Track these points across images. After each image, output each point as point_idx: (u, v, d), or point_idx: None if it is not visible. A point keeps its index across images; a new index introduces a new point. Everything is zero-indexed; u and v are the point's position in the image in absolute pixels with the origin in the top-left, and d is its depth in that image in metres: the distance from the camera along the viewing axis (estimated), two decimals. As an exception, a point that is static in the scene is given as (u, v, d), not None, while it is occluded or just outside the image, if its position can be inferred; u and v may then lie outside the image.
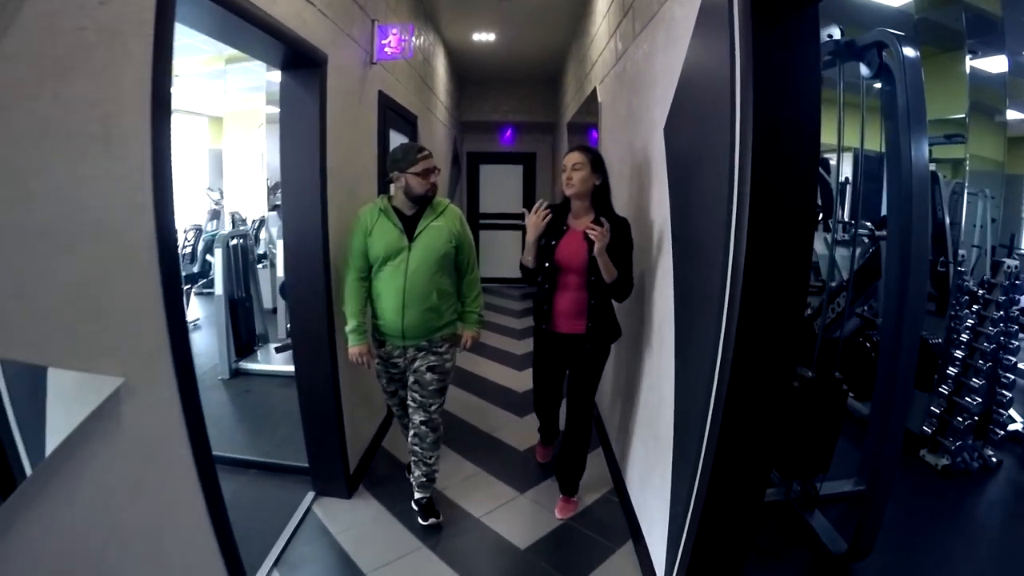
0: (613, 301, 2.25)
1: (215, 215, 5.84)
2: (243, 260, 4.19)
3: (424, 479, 2.42)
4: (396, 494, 2.61)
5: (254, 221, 5.25)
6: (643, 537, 2.16)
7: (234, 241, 4.12)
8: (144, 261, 1.21)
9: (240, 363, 4.06)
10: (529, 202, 7.86)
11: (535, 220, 2.13)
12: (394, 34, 2.83)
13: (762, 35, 1.23)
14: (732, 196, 1.33)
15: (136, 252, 1.19)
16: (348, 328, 2.27)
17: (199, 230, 5.90)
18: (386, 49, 2.85)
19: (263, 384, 3.93)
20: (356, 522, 2.41)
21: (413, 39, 3.01)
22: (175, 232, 1.29)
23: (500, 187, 7.92)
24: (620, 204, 2.45)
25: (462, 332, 2.40)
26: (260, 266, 4.61)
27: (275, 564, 2.11)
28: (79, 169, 1.03)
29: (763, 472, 1.53)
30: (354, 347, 2.28)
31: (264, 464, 2.79)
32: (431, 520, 2.39)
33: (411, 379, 2.34)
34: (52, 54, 0.97)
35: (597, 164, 2.18)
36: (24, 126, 0.92)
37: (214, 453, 1.44)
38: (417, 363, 2.31)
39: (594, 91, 3.94)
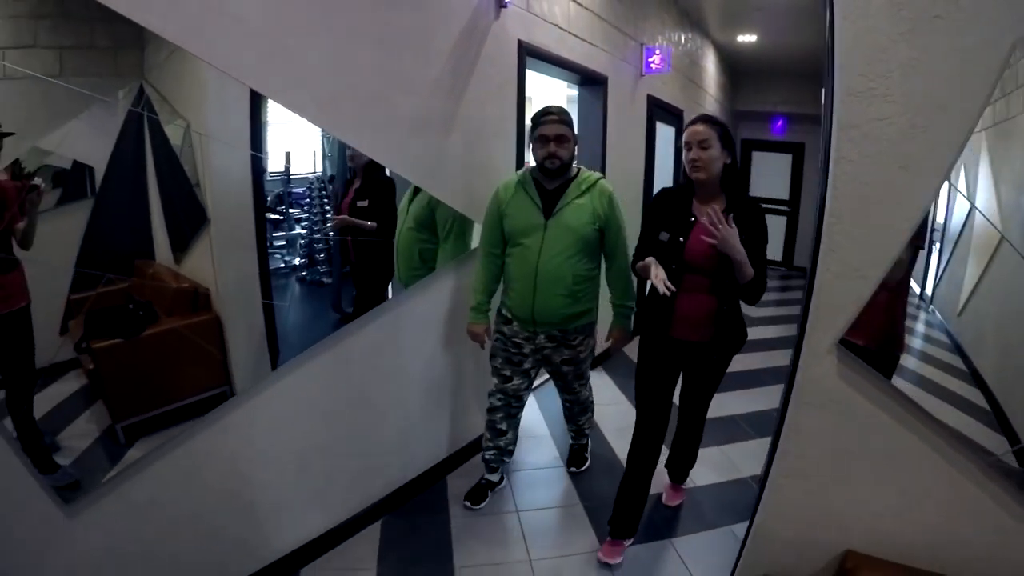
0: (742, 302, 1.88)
1: None
2: None
3: (574, 432, 2.66)
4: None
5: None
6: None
7: None
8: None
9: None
10: (795, 192, 7.97)
11: (656, 276, 1.76)
12: (658, 53, 3.90)
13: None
14: None
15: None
16: (470, 305, 2.25)
17: None
18: (652, 65, 3.95)
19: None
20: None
21: (670, 57, 4.02)
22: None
23: (771, 173, 8.26)
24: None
25: (612, 330, 2.26)
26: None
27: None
28: (493, 145, 2.44)
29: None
30: (472, 325, 2.25)
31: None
32: (572, 468, 2.63)
33: (548, 368, 2.33)
34: (483, 95, 2.36)
35: (727, 139, 1.80)
36: (478, 125, 2.34)
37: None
38: (549, 354, 2.23)
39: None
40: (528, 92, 2.85)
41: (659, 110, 4.63)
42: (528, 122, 2.09)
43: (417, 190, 2.30)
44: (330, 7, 1.76)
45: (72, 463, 1.56)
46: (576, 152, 2.14)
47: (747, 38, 6.05)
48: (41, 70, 1.51)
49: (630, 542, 2.13)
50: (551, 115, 2.04)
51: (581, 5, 3.19)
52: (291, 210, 2.07)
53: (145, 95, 1.63)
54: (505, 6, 2.49)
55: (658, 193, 2.01)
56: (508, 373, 2.26)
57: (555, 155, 2.02)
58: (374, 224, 2.11)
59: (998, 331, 1.37)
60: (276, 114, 1.77)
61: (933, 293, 1.41)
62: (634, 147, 4.20)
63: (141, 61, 1.64)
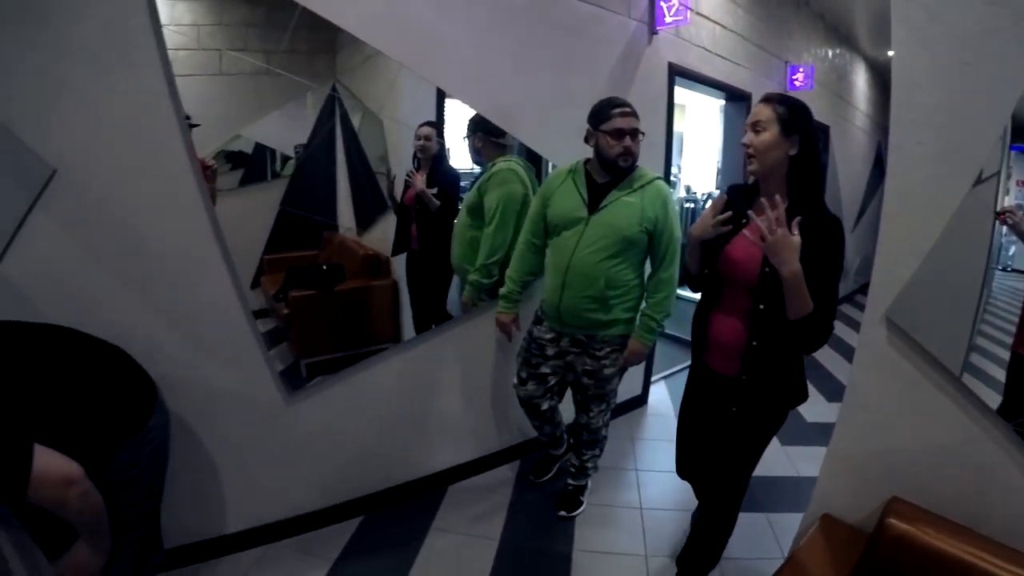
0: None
1: (672, 185, 7.43)
2: (692, 218, 5.51)
3: (572, 469, 2.36)
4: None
5: (703, 194, 6.12)
6: None
7: (688, 205, 5.62)
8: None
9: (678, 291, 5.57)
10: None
11: (705, 216, 1.53)
12: (801, 71, 3.98)
13: None
14: None
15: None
16: (501, 291, 2.17)
17: None
18: (795, 82, 4.03)
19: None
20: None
21: (814, 74, 4.08)
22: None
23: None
24: None
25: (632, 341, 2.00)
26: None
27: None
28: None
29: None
30: (499, 314, 2.18)
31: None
32: (562, 512, 2.30)
33: (569, 377, 2.15)
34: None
35: (794, 122, 1.37)
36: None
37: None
38: (572, 361, 2.08)
39: None
40: (682, 100, 3.12)
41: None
42: (602, 117, 1.86)
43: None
44: (517, 36, 2.27)
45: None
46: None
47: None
48: (250, 69, 1.97)
49: None
50: (624, 107, 1.83)
51: (726, 28, 3.42)
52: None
53: (337, 93, 2.09)
54: (656, 32, 2.81)
55: (725, 190, 1.63)
56: (524, 375, 2.18)
57: (630, 151, 1.85)
58: (438, 203, 2.24)
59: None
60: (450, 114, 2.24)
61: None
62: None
63: (334, 64, 2.08)
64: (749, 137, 1.41)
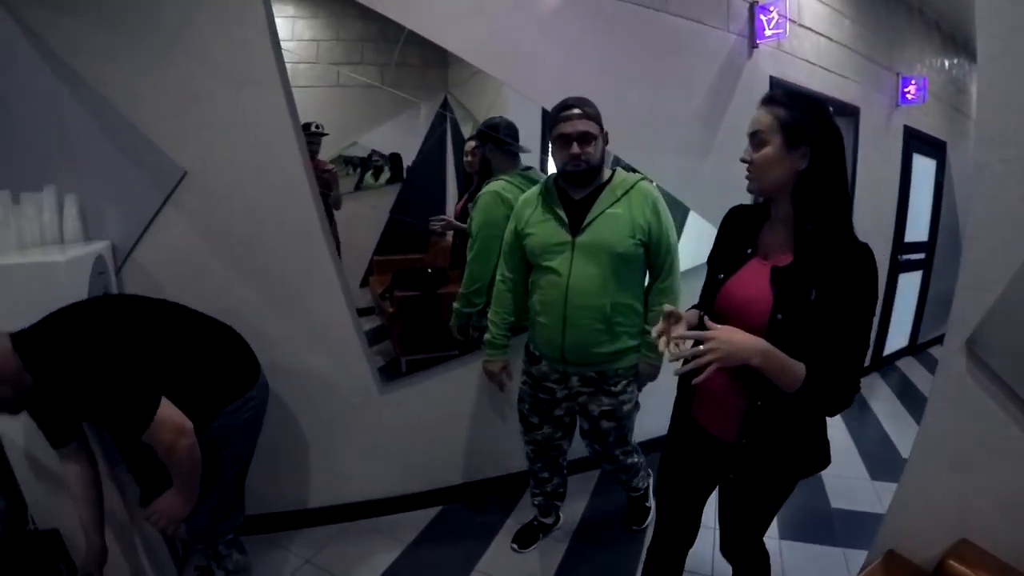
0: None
1: None
2: None
3: (626, 488, 2.19)
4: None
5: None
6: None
7: None
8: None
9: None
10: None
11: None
12: (914, 83, 3.73)
13: None
14: None
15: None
16: (485, 337, 1.96)
17: None
18: (907, 95, 3.77)
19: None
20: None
21: (926, 86, 3.81)
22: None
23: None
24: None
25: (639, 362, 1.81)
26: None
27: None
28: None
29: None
30: (486, 362, 1.96)
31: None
32: (634, 527, 2.22)
33: (585, 424, 1.92)
34: (738, 125, 2.60)
35: (801, 130, 1.09)
36: (733, 151, 2.58)
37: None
38: (585, 403, 1.83)
39: None
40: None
41: (917, 141, 4.32)
42: (551, 123, 1.70)
43: None
44: (611, 52, 2.31)
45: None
46: (606, 151, 1.72)
47: None
48: (365, 82, 2.10)
49: None
50: (571, 109, 1.62)
51: (831, 39, 3.28)
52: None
53: (448, 105, 2.19)
54: (756, 46, 2.75)
55: (728, 213, 1.37)
56: (536, 420, 1.94)
57: (578, 157, 1.62)
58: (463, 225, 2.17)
59: None
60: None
61: None
62: (887, 181, 3.99)
63: (446, 77, 2.19)
64: (748, 151, 1.16)
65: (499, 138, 2.06)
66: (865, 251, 1.09)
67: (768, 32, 2.67)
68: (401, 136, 2.18)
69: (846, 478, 2.70)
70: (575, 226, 1.69)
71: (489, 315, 1.94)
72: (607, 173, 1.74)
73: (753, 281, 1.17)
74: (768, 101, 1.14)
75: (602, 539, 2.24)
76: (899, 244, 4.19)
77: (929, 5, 4.10)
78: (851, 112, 3.51)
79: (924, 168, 4.43)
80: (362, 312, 2.19)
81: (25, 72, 1.73)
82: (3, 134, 1.77)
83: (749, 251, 1.23)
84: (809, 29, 3.11)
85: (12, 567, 1.59)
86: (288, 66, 1.88)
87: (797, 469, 1.25)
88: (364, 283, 2.23)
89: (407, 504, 2.39)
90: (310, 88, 2.05)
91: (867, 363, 4.20)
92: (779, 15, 2.65)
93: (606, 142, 1.72)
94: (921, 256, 4.55)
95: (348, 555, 2.11)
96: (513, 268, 1.85)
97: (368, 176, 2.14)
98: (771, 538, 2.20)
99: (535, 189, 1.81)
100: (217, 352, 1.57)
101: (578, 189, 1.71)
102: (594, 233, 1.66)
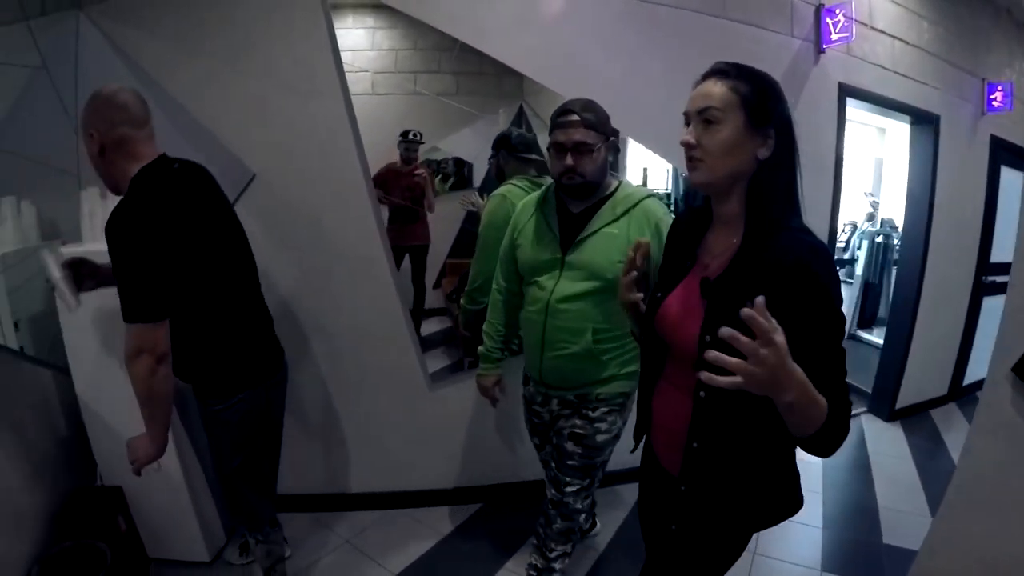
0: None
1: (870, 217, 6.78)
2: (883, 255, 5.13)
3: (537, 566, 1.75)
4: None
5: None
6: None
7: (879, 239, 5.15)
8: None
9: (858, 332, 5.05)
10: None
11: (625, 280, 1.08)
12: (1000, 90, 3.46)
13: None
14: None
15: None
16: (479, 349, 1.84)
17: (855, 226, 7.04)
18: (994, 103, 3.51)
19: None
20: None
21: (1011, 92, 3.54)
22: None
23: None
24: None
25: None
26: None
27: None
28: (811, 180, 2.55)
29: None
30: (479, 376, 1.85)
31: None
32: None
33: (553, 440, 1.72)
34: (803, 134, 2.51)
35: (765, 110, 0.92)
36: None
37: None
38: (560, 423, 1.67)
39: None
40: (883, 124, 2.87)
41: (1004, 152, 4.00)
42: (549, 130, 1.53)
43: None
44: (667, 61, 2.28)
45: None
46: (610, 160, 1.54)
47: None
48: (442, 90, 2.18)
49: None
50: (567, 115, 1.46)
51: (907, 43, 3.11)
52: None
53: (524, 113, 2.24)
54: (823, 51, 2.65)
55: (674, 221, 1.18)
56: (538, 442, 1.86)
57: (573, 170, 1.46)
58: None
59: None
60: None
61: None
62: (970, 196, 3.72)
63: (521, 86, 2.23)
64: (694, 132, 0.93)
65: (511, 145, 2.07)
66: (819, 250, 0.88)
67: (834, 36, 2.57)
68: (480, 142, 2.24)
69: (905, 513, 2.54)
70: (567, 242, 1.54)
71: (484, 326, 1.83)
72: (612, 184, 1.56)
73: (686, 298, 0.98)
74: (720, 73, 0.92)
75: (639, 548, 2.21)
76: (984, 264, 3.87)
77: (1018, 5, 3.78)
78: (930, 120, 3.29)
79: (1012, 182, 4.09)
80: (434, 312, 2.27)
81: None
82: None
83: (688, 263, 1.03)
84: (883, 32, 2.96)
85: (77, 517, 1.78)
86: (367, 74, 2.01)
87: (754, 520, 1.03)
88: (437, 284, 2.31)
89: (449, 498, 2.45)
90: (388, 96, 2.16)
91: (944, 391, 3.92)
92: (844, 18, 2.55)
93: (614, 151, 1.54)
94: (1008, 278, 4.19)
95: (386, 540, 2.21)
96: (508, 277, 1.73)
97: (438, 182, 2.23)
98: (812, 569, 2.12)
99: (535, 195, 1.68)
100: (238, 340, 1.50)
101: (576, 201, 1.56)
102: (584, 253, 1.51)
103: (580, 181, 1.48)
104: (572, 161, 1.45)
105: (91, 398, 1.81)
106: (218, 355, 1.48)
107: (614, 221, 1.50)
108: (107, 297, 1.46)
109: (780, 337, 0.70)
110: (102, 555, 1.68)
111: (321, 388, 2.25)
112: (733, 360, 0.71)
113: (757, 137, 0.91)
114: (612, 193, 1.54)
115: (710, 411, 0.95)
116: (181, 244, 1.32)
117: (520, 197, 1.84)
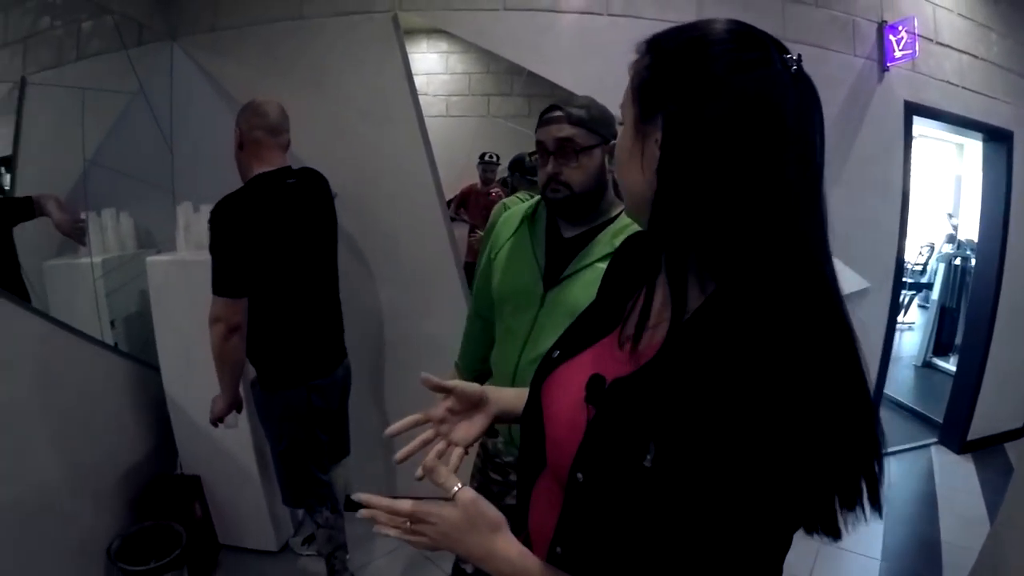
0: None
1: (951, 238, 6.44)
2: (960, 277, 4.86)
3: None
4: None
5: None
6: None
7: (957, 260, 4.91)
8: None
9: (933, 359, 4.83)
10: None
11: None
12: (1078, 105, 3.28)
13: None
14: None
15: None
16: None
17: (932, 247, 6.51)
18: (1073, 118, 3.32)
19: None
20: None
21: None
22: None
23: None
24: None
25: None
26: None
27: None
28: (877, 204, 2.50)
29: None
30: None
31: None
32: None
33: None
34: (867, 155, 2.46)
35: (663, 82, 0.54)
36: (860, 183, 2.46)
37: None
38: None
39: None
40: (960, 140, 2.78)
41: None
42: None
43: None
44: None
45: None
46: (612, 176, 1.16)
47: None
48: (515, 111, 2.25)
49: None
50: (552, 110, 1.16)
51: (976, 57, 3.00)
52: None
53: None
54: (887, 69, 2.61)
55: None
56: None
57: (557, 178, 1.14)
58: None
59: None
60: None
61: None
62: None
63: None
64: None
65: (524, 168, 2.18)
66: (790, 364, 0.46)
67: (898, 53, 2.53)
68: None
69: (968, 550, 2.35)
70: (552, 275, 1.19)
71: (456, 359, 1.55)
72: (616, 206, 1.19)
73: (573, 387, 0.59)
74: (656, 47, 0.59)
75: None
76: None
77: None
78: (1003, 137, 3.15)
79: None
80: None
81: (205, 108, 2.21)
82: (189, 157, 2.25)
83: (612, 319, 0.66)
84: (949, 47, 2.87)
85: (157, 500, 1.93)
86: (441, 97, 2.14)
87: None
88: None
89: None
90: (462, 118, 2.28)
91: (1020, 423, 3.66)
92: (908, 34, 2.50)
93: (605, 159, 1.16)
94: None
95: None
96: (484, 306, 1.38)
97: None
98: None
99: (523, 207, 1.33)
100: (289, 341, 1.66)
101: (569, 225, 1.20)
102: (568, 293, 1.15)
103: (565, 195, 1.14)
104: (553, 166, 1.13)
105: (177, 393, 1.97)
106: (270, 350, 1.66)
107: (608, 256, 0.95)
108: (196, 304, 1.63)
109: (437, 511, 0.61)
110: (178, 536, 1.82)
111: (392, 396, 2.35)
112: (395, 532, 0.63)
113: (640, 133, 0.58)
114: (615, 218, 1.19)
115: (578, 508, 0.57)
116: (266, 243, 1.54)
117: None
